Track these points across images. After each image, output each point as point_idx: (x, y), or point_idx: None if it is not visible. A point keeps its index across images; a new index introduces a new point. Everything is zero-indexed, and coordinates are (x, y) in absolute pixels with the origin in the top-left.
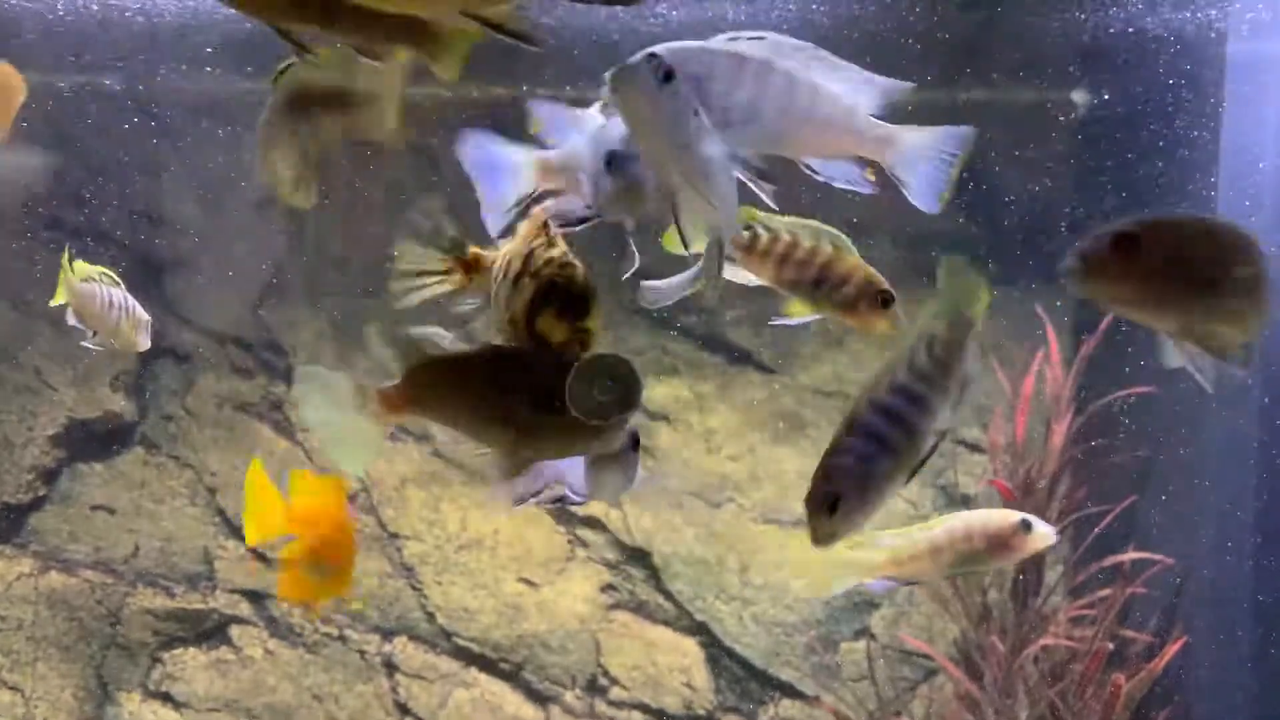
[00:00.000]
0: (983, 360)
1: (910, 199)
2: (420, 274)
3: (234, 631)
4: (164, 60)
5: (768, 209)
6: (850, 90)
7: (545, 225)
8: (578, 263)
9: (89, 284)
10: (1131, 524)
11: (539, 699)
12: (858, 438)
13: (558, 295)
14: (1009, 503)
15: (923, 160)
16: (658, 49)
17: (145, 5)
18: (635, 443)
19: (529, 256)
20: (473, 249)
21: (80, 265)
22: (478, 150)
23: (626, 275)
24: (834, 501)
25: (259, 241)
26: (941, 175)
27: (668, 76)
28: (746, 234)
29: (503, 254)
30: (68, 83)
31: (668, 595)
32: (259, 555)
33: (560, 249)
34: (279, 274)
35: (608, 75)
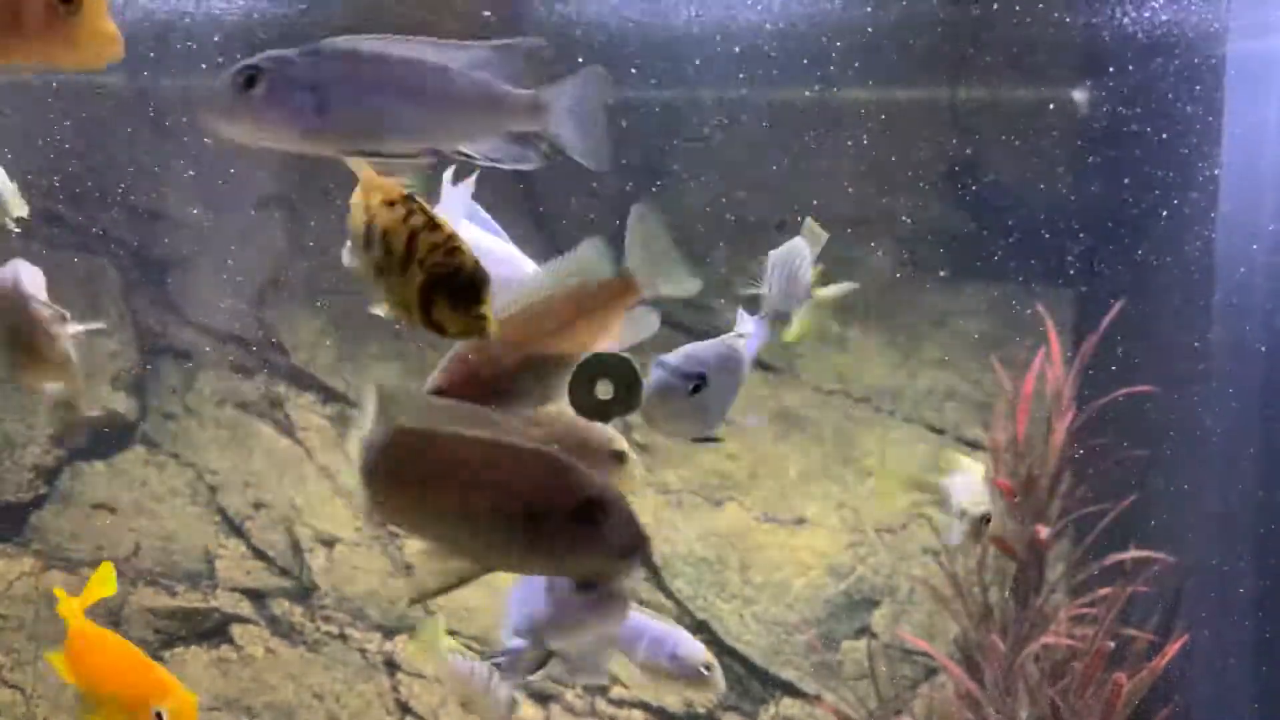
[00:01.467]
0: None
1: (578, 159)
2: None
3: (235, 630)
4: (165, 58)
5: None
6: (480, 60)
7: (410, 198)
8: (464, 245)
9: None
10: (1132, 522)
11: (540, 697)
12: None
13: (447, 284)
14: (1009, 502)
15: (574, 115)
16: (256, 59)
17: (146, 3)
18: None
19: (412, 239)
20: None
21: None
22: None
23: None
24: None
25: (260, 240)
26: (597, 126)
27: (250, 81)
28: None
29: (359, 206)
30: (69, 80)
31: (669, 594)
32: (260, 554)
33: (445, 231)
34: (280, 272)
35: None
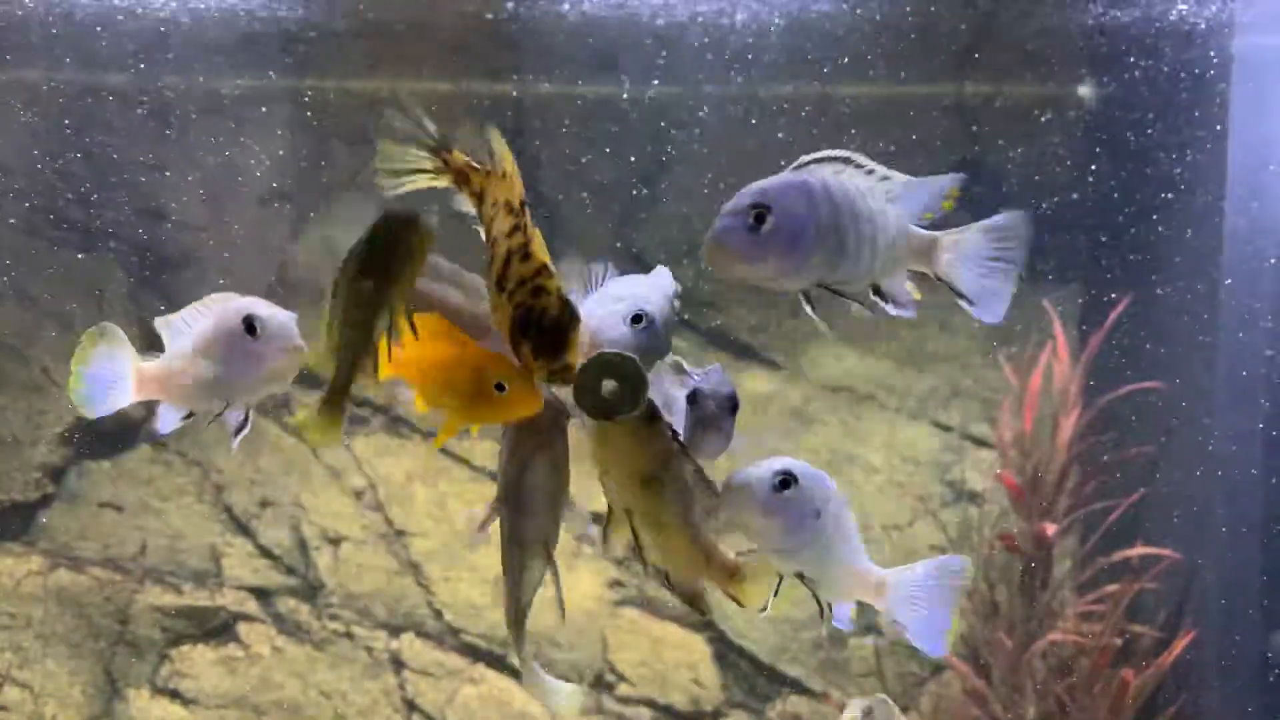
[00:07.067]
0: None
1: (913, 642)
2: (406, 172)
3: (241, 629)
4: (169, 58)
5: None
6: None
7: (526, 206)
8: (553, 282)
9: None
10: (1139, 519)
11: None
12: None
13: (533, 327)
14: (1018, 499)
15: (921, 598)
16: (789, 466)
17: (150, 3)
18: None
19: (507, 263)
20: (458, 158)
21: None
22: None
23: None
24: None
25: (264, 238)
26: (944, 614)
27: (784, 484)
28: None
29: (489, 197)
30: (74, 80)
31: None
32: (267, 552)
33: (536, 260)
34: (284, 270)
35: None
